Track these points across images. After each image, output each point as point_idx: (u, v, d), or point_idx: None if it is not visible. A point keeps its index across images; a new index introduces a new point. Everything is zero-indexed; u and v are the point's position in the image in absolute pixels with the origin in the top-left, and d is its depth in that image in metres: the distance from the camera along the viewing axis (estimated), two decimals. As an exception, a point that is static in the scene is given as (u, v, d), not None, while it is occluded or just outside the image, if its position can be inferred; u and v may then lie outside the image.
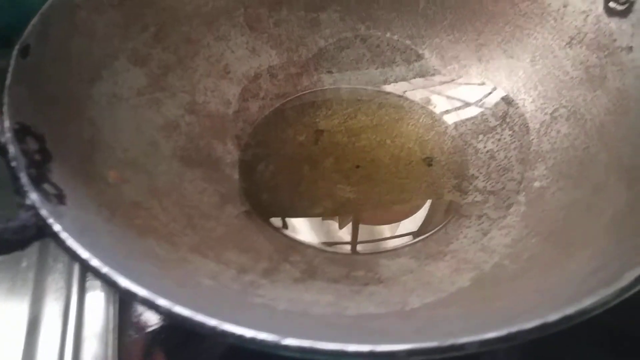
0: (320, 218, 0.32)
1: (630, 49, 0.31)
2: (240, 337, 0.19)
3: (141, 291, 0.19)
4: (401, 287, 0.27)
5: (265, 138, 0.36)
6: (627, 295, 0.20)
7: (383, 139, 0.36)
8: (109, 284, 0.20)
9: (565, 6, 0.34)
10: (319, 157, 0.35)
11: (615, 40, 0.32)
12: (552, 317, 0.19)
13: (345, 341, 0.19)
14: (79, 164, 0.27)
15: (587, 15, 0.33)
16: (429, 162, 0.34)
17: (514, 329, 0.19)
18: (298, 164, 0.34)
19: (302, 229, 0.31)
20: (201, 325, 0.19)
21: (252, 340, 0.19)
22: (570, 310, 0.19)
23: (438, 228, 0.31)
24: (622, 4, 0.32)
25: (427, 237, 0.31)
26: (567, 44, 0.34)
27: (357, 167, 0.34)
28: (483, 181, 0.33)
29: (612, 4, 0.32)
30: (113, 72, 0.32)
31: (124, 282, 0.20)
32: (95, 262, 0.20)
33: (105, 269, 0.20)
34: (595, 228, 0.26)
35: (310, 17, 0.39)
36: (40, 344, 0.30)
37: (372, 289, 0.27)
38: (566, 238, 0.27)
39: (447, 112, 0.37)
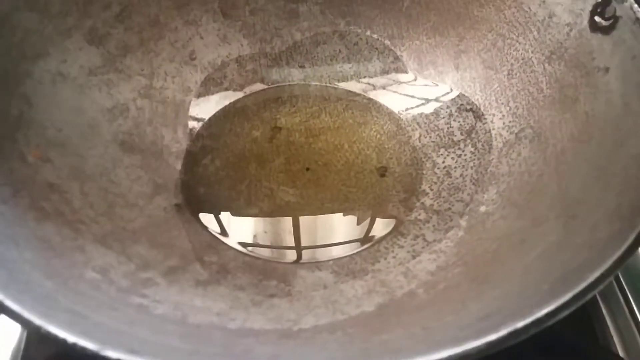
0: (254, 219, 0.31)
1: (606, 70, 0.28)
2: (62, 342, 0.18)
3: (-20, 280, 0.19)
4: (305, 303, 0.26)
5: (219, 130, 0.34)
6: (497, 349, 0.18)
7: (341, 143, 0.34)
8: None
9: (550, 17, 0.31)
10: (270, 156, 0.33)
11: (594, 58, 0.29)
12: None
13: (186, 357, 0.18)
14: (-6, 140, 0.26)
15: (571, 29, 0.30)
16: (382, 172, 0.32)
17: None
18: (246, 160, 0.33)
19: (231, 229, 0.30)
20: (27, 323, 0.18)
21: (73, 347, 0.18)
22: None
23: (371, 244, 0.29)
24: (607, 19, 0.29)
25: (356, 252, 0.29)
26: (546, 58, 0.31)
27: (307, 169, 0.33)
28: (432, 199, 0.31)
29: (597, 18, 0.29)
30: (63, 49, 0.31)
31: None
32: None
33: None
34: (517, 266, 0.24)
35: (289, 8, 0.37)
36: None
37: (275, 301, 0.26)
38: (486, 274, 0.24)
39: (414, 120, 0.34)
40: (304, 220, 0.31)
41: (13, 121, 0.28)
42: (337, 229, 0.30)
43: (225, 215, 0.30)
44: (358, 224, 0.30)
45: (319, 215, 0.31)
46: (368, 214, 0.31)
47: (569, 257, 0.22)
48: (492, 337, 0.18)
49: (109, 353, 0.17)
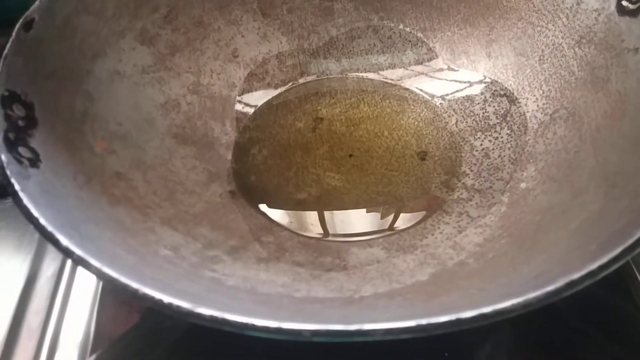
0: (304, 203, 0.32)
1: (636, 50, 0.29)
2: (159, 302, 0.20)
3: (77, 251, 0.21)
4: (362, 275, 0.27)
5: (264, 122, 0.36)
6: (554, 299, 0.19)
7: (381, 130, 0.36)
8: (53, 243, 0.21)
9: (578, 4, 0.33)
10: (314, 145, 0.35)
11: (623, 40, 0.30)
12: (467, 314, 0.19)
13: (273, 317, 0.20)
14: (66, 133, 0.28)
15: (599, 14, 0.32)
16: (422, 156, 0.34)
17: (423, 321, 0.19)
18: (292, 149, 0.35)
19: (283, 211, 0.32)
20: (125, 287, 0.20)
21: (169, 306, 0.19)
22: (487, 309, 0.19)
23: (417, 222, 0.31)
24: (634, 2, 0.30)
25: (404, 230, 0.30)
26: (576, 42, 0.33)
27: (350, 156, 0.34)
28: (472, 179, 0.32)
29: (624, 3, 0.31)
30: (118, 50, 0.33)
31: (64, 241, 0.21)
32: (42, 221, 0.21)
33: (50, 228, 0.21)
34: (561, 234, 0.25)
35: (324, 6, 0.39)
36: (34, 297, 0.32)
37: (332, 275, 0.27)
38: (532, 242, 0.26)
39: (450, 107, 0.36)
40: (350, 202, 0.32)
41: (79, 116, 0.30)
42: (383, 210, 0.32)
43: (276, 200, 0.32)
44: (403, 204, 0.32)
45: (364, 198, 0.32)
46: (412, 196, 0.32)
47: (612, 221, 0.23)
48: (551, 287, 0.19)
49: (201, 310, 0.19)
